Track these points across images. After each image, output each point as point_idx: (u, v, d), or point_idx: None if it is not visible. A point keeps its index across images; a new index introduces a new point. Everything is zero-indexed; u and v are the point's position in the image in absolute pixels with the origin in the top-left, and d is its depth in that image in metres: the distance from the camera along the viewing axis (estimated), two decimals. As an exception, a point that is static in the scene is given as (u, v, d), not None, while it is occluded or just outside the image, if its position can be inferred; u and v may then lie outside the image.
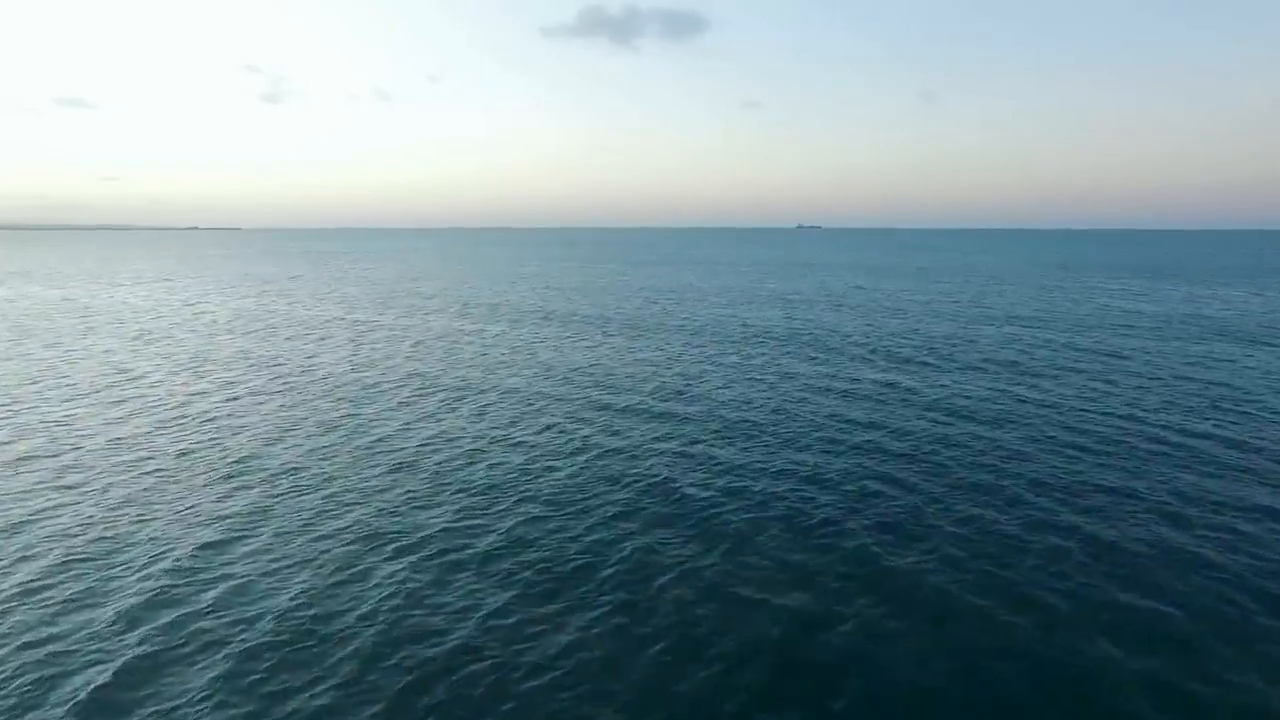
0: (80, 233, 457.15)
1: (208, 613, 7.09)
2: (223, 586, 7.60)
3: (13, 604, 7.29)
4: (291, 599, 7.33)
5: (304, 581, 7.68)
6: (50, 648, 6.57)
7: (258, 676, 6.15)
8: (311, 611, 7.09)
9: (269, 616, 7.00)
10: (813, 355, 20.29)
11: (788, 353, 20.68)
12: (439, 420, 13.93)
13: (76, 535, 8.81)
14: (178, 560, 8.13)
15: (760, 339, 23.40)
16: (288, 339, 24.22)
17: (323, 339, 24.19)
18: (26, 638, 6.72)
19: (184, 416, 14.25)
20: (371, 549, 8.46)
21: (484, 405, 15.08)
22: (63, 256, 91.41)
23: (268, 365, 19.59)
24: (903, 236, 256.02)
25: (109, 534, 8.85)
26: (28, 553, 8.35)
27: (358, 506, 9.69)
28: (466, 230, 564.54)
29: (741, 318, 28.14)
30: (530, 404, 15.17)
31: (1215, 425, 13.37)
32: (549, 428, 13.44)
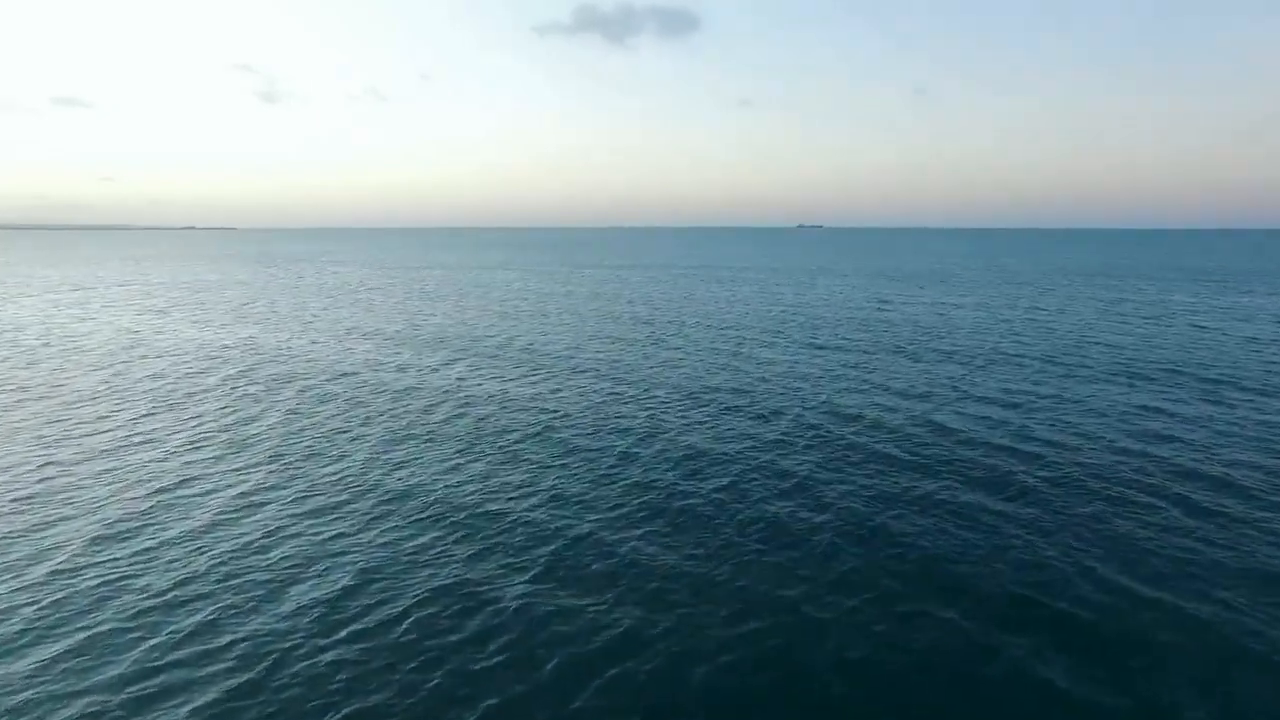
0: (74, 233, 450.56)
1: None
2: None
3: None
4: None
5: None
6: None
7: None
8: None
9: None
10: (860, 444, 13.48)
11: (825, 439, 13.74)
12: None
13: None
14: None
15: (779, 397, 16.70)
16: (112, 395, 17.50)
17: (160, 384, 17.51)
18: None
19: None
20: None
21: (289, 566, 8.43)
22: (13, 259, 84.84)
23: (49, 423, 12.98)
24: (906, 237, 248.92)
25: None
26: None
27: None
28: (465, 230, 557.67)
29: (754, 361, 21.25)
30: (378, 554, 8.53)
31: None
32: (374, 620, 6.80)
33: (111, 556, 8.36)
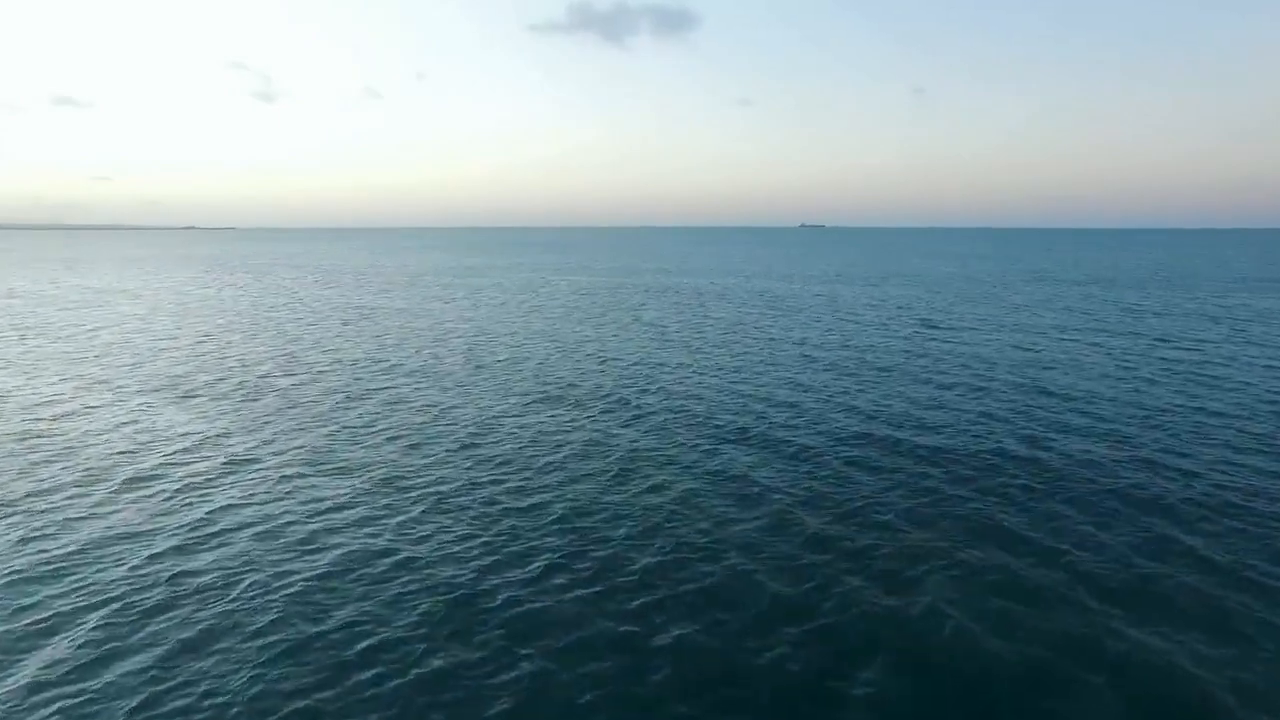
0: (71, 233, 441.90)
1: None
2: None
3: None
4: None
5: None
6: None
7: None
8: None
9: None
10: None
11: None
12: None
13: None
14: None
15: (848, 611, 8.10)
16: None
17: None
18: None
19: None
20: None
21: None
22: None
23: None
24: (910, 236, 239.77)
25: None
26: None
27: None
28: (461, 230, 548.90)
29: (787, 484, 12.59)
30: None
31: None
32: None
33: None
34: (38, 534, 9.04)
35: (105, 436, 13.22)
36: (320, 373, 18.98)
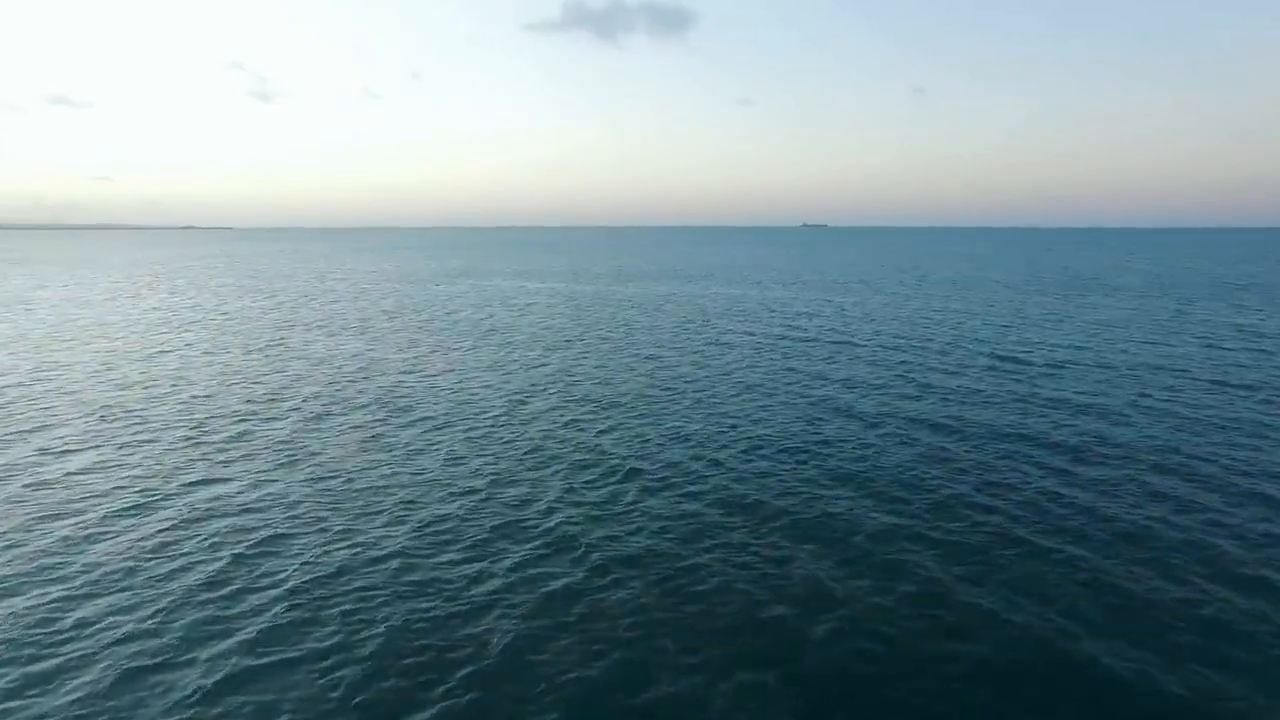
0: (73, 233, 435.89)
1: None
2: None
3: None
4: None
5: None
6: None
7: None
8: None
9: None
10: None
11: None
12: None
13: None
14: None
15: None
16: None
17: None
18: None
19: None
20: None
21: None
22: None
23: None
24: (913, 235, 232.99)
25: None
26: None
27: None
28: (461, 229, 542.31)
29: None
30: None
31: None
32: None
33: None
34: None
35: None
36: (124, 435, 12.37)
